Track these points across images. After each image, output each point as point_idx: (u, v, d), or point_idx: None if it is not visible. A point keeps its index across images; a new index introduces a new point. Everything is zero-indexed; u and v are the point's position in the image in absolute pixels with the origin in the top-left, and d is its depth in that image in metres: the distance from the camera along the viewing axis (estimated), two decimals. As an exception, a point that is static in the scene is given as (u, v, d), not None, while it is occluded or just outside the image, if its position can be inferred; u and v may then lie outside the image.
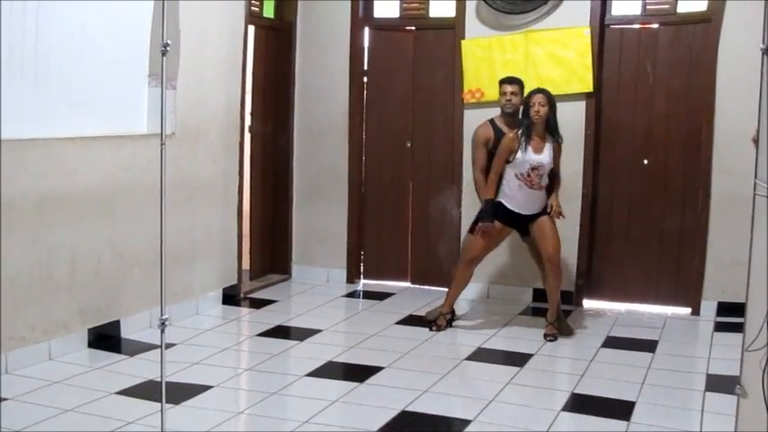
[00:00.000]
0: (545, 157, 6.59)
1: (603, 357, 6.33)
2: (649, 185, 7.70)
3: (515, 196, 6.67)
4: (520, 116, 6.72)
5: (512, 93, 6.85)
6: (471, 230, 6.94)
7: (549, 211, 6.70)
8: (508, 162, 6.62)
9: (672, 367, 6.11)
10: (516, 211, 6.70)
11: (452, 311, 7.10)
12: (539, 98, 6.54)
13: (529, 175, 6.59)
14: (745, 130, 5.59)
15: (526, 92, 6.80)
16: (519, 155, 6.56)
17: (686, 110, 7.56)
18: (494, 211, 6.72)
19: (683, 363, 6.30)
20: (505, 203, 6.70)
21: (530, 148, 6.56)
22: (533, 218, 6.73)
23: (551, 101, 6.58)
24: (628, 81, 7.70)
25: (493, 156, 6.77)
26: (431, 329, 6.90)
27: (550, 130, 6.64)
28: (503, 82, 6.98)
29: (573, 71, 7.59)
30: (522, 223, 6.79)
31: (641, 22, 7.69)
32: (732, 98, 7.18)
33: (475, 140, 7.00)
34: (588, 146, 7.69)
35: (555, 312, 6.80)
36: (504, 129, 6.83)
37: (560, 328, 6.82)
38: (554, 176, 6.78)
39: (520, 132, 6.60)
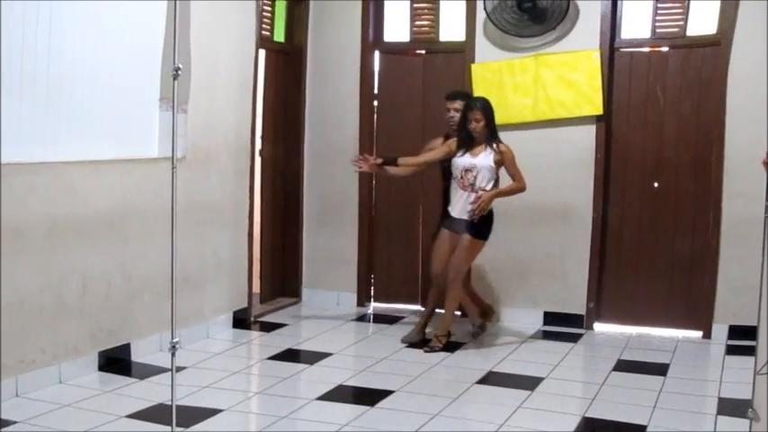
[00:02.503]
0: (480, 159, 6.79)
1: (615, 381, 6.30)
2: (660, 208, 7.69)
3: (452, 197, 6.94)
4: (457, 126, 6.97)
5: (455, 109, 7.05)
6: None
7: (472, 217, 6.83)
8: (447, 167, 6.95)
9: (683, 391, 6.08)
10: (449, 210, 6.95)
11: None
12: (475, 114, 6.77)
13: (462, 177, 6.83)
14: (755, 152, 5.61)
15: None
16: (456, 159, 6.86)
17: (696, 133, 7.55)
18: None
19: (694, 386, 6.27)
20: (448, 207, 7.00)
21: (467, 154, 6.83)
22: (458, 227, 6.88)
23: (487, 112, 6.80)
24: (638, 104, 7.71)
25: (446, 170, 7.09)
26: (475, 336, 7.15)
27: (491, 138, 6.83)
28: (446, 98, 7.21)
29: (583, 94, 7.61)
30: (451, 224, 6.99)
31: (651, 45, 7.70)
32: (742, 121, 7.18)
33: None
34: (598, 169, 7.69)
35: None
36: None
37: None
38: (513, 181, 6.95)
39: (457, 141, 6.90)
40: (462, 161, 6.82)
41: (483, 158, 6.77)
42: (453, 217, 6.91)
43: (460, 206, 6.85)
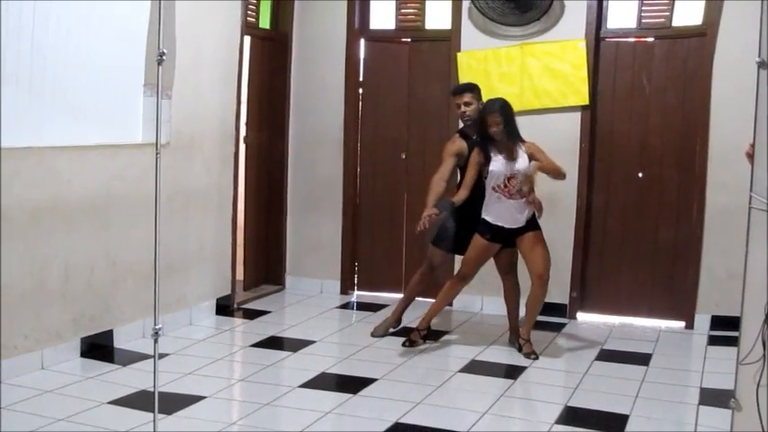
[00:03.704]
0: (520, 163, 6.41)
1: (597, 370, 6.32)
2: (644, 198, 7.70)
3: (495, 210, 6.47)
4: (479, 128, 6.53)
5: (465, 103, 6.68)
6: (434, 242, 6.93)
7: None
8: (484, 177, 6.47)
9: (666, 381, 6.10)
10: (498, 224, 6.48)
11: (428, 327, 6.93)
12: (493, 118, 6.35)
13: (506, 186, 6.41)
14: (739, 143, 5.59)
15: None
16: (492, 167, 6.41)
17: (681, 123, 7.57)
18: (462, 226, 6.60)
19: (676, 376, 6.29)
20: (487, 218, 6.50)
21: (500, 158, 6.42)
22: (520, 232, 6.53)
23: (505, 114, 6.39)
24: (623, 94, 7.71)
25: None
26: (405, 345, 6.75)
27: (513, 138, 6.45)
28: (452, 94, 6.84)
29: (568, 84, 7.60)
30: (507, 238, 6.56)
31: (636, 35, 7.71)
32: (727, 112, 7.20)
33: (444, 153, 6.76)
34: (583, 158, 7.69)
35: (531, 328, 6.71)
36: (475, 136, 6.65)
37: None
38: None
39: (481, 146, 6.45)
40: (504, 169, 6.39)
41: (522, 162, 6.41)
42: (506, 228, 6.47)
43: (514, 217, 6.45)
